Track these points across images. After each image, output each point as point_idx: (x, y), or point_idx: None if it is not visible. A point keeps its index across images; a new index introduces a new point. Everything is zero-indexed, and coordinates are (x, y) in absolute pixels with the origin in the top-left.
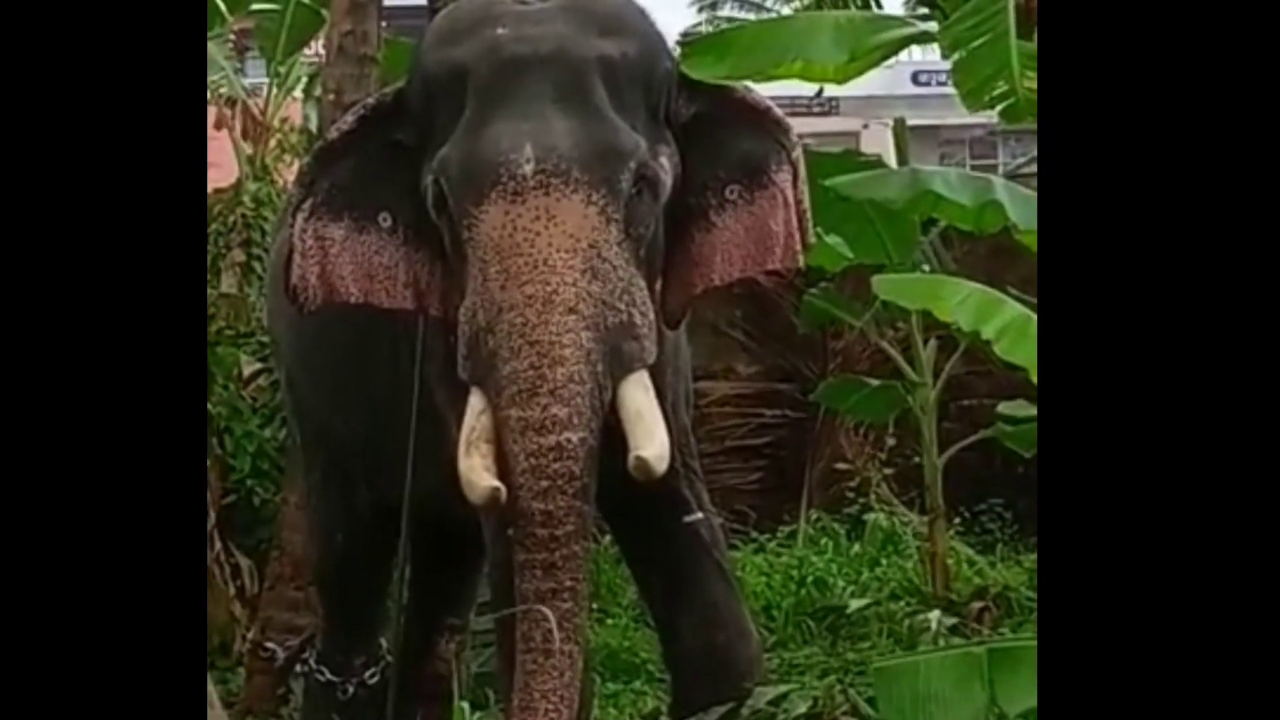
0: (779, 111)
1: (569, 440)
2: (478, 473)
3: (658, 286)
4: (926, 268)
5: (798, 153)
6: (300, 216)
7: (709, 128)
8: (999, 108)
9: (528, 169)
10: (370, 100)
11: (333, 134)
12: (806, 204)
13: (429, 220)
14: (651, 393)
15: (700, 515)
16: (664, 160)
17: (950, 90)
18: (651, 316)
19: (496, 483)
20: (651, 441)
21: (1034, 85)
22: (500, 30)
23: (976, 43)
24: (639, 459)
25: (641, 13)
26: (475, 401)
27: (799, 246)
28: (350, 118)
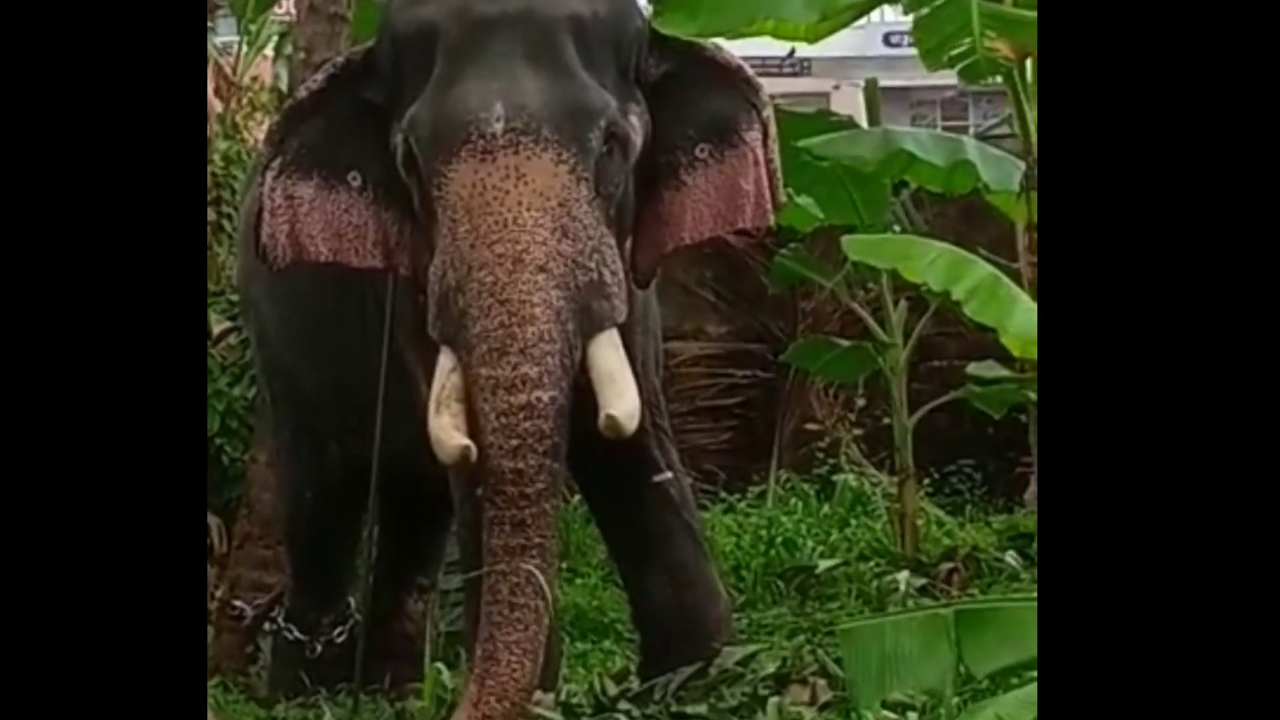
0: (749, 70)
1: (539, 399)
2: (448, 431)
3: (628, 245)
4: (897, 229)
5: (768, 112)
6: (269, 175)
7: (679, 87)
8: (958, 67)
9: (497, 127)
10: (340, 59)
11: (302, 93)
12: (777, 163)
13: (398, 179)
14: (622, 351)
15: (669, 475)
16: (634, 119)
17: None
18: (622, 275)
19: (467, 441)
20: (622, 400)
21: (994, 45)
22: None
23: (937, 1)
24: (609, 417)
25: None
26: (445, 361)
27: (770, 205)
28: (320, 76)
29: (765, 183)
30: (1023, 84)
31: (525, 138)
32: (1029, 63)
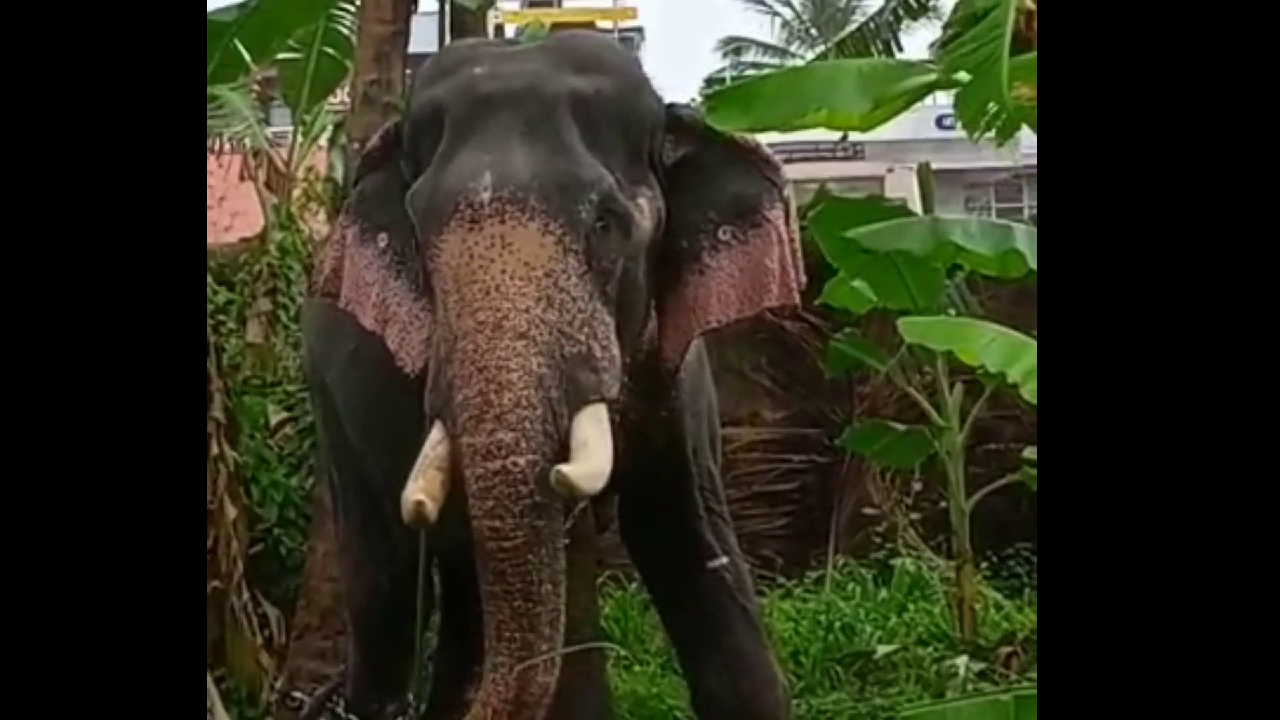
0: (768, 150)
1: (515, 464)
2: (411, 489)
3: (649, 328)
4: (952, 311)
5: (789, 191)
6: (343, 211)
7: (698, 169)
8: (997, 130)
9: (485, 196)
10: (390, 125)
11: (371, 143)
12: (798, 242)
13: (415, 254)
14: (605, 426)
15: (725, 560)
16: (641, 201)
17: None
18: (615, 351)
19: (420, 496)
20: (582, 462)
21: (1020, 94)
22: (478, 69)
23: (971, 64)
24: (558, 472)
25: (623, 53)
26: (435, 433)
27: (794, 284)
28: (378, 136)
29: (790, 260)
30: None
31: (512, 207)
32: None
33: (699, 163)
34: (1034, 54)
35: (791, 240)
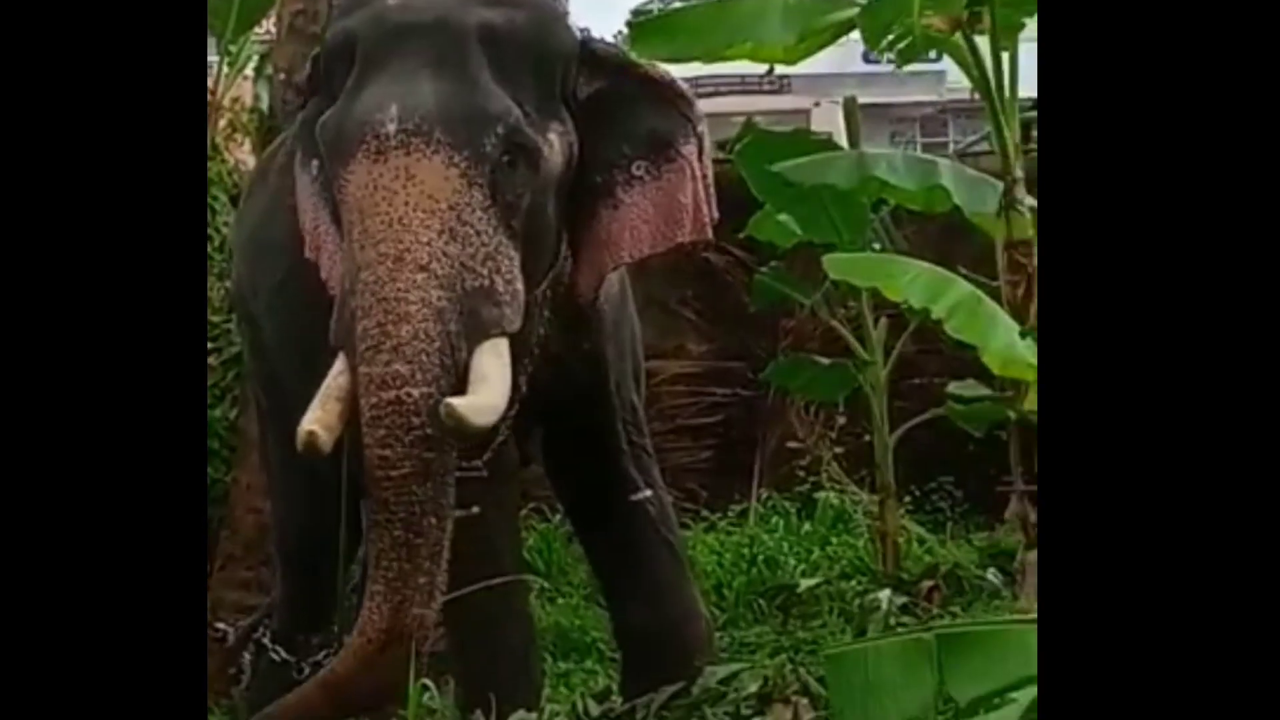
0: (683, 85)
1: (409, 394)
2: (305, 420)
3: (563, 262)
4: (877, 246)
5: (703, 126)
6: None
7: (612, 104)
8: (897, 47)
9: (390, 128)
10: (318, 52)
11: (305, 72)
12: (711, 177)
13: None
14: (505, 360)
15: (648, 493)
16: (552, 135)
17: (901, 69)
18: (519, 285)
19: (313, 426)
20: (474, 395)
21: (929, 20)
22: (390, 1)
23: None
24: (447, 405)
25: None
26: (337, 364)
27: (707, 219)
28: (310, 64)
29: (703, 196)
30: (1001, 101)
31: (417, 139)
32: (1008, 78)
33: (613, 97)
34: None
35: (705, 176)
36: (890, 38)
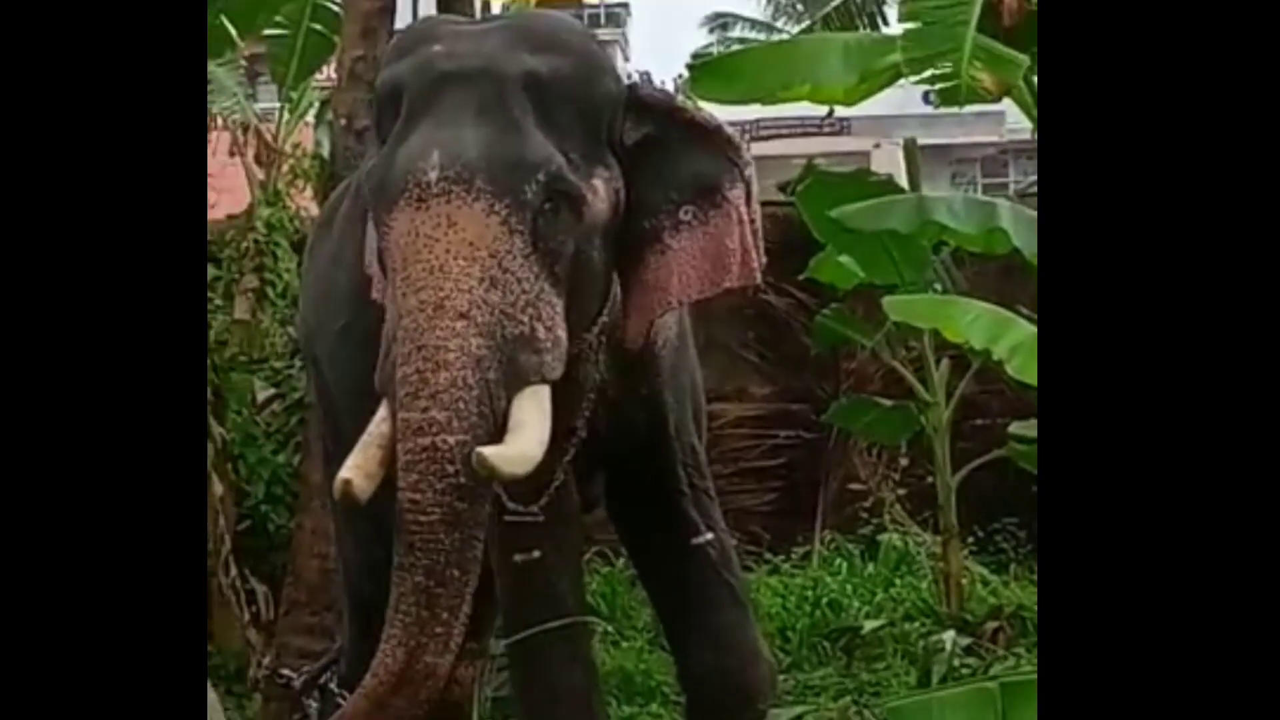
0: (729, 129)
1: (444, 441)
2: (344, 467)
3: (609, 309)
4: (938, 287)
5: (750, 170)
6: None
7: (659, 149)
8: (938, 86)
9: (432, 175)
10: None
11: (361, 123)
12: (759, 222)
13: None
14: (545, 408)
15: (710, 536)
16: (597, 181)
17: (962, 110)
18: (561, 333)
19: (348, 474)
20: (509, 445)
21: (979, 75)
22: (436, 47)
23: (932, 17)
24: (478, 454)
25: (582, 33)
26: (380, 410)
27: (755, 264)
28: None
29: (750, 240)
30: None
31: (458, 186)
32: None
33: (660, 142)
34: (1001, 44)
35: (753, 220)
36: (937, 80)
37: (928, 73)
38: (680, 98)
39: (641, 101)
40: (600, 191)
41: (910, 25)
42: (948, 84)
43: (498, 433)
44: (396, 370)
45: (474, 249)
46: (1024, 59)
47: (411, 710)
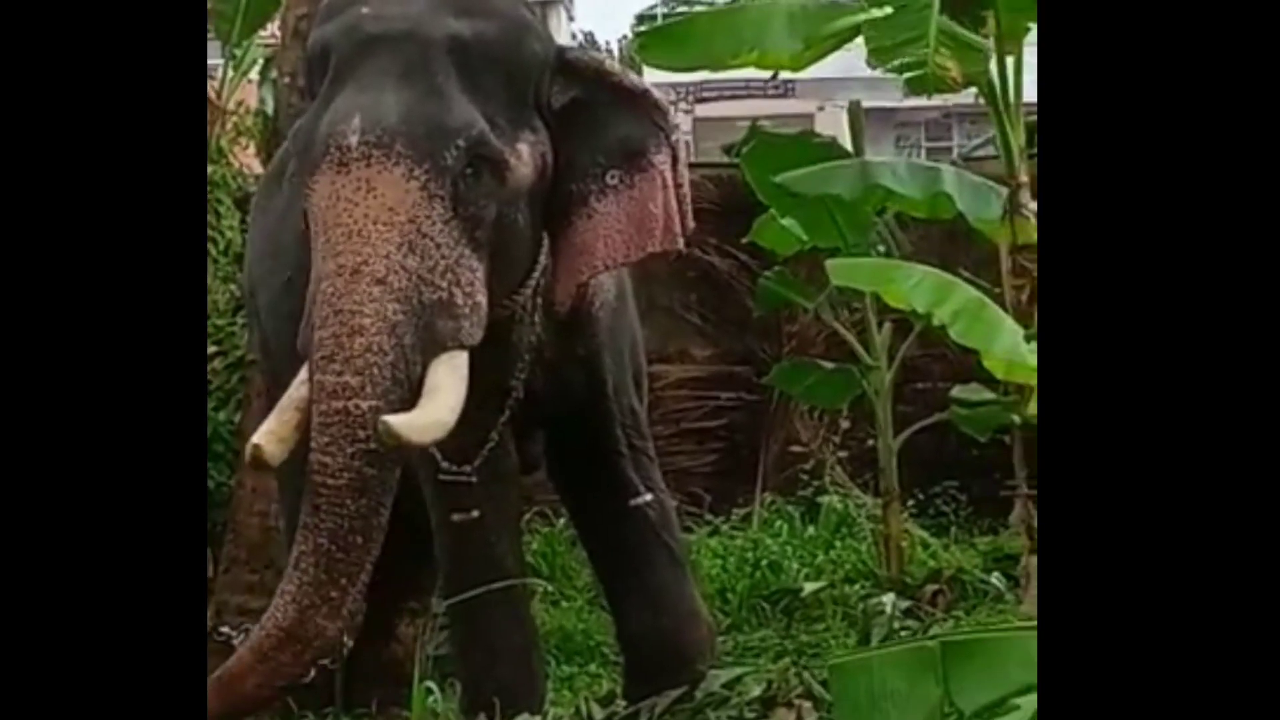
0: (657, 94)
1: (357, 407)
2: (257, 432)
3: (541, 271)
4: (881, 249)
5: (677, 135)
6: None
7: (587, 113)
8: (905, 75)
9: (353, 140)
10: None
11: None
12: (686, 186)
13: None
14: (461, 374)
15: (649, 497)
16: (522, 145)
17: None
18: (481, 298)
19: (258, 440)
20: (417, 412)
21: (945, 64)
22: (364, 10)
23: (897, 3)
24: (383, 422)
25: None
26: (301, 372)
27: (679, 229)
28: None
29: (675, 206)
30: (1005, 105)
31: (378, 151)
32: (1013, 85)
33: (588, 105)
34: (966, 30)
35: (679, 185)
36: (900, 61)
37: (895, 61)
38: (610, 61)
39: (569, 65)
40: (525, 155)
41: (875, 13)
42: (914, 73)
43: (413, 398)
44: (314, 334)
45: (393, 214)
46: (988, 45)
47: (296, 668)
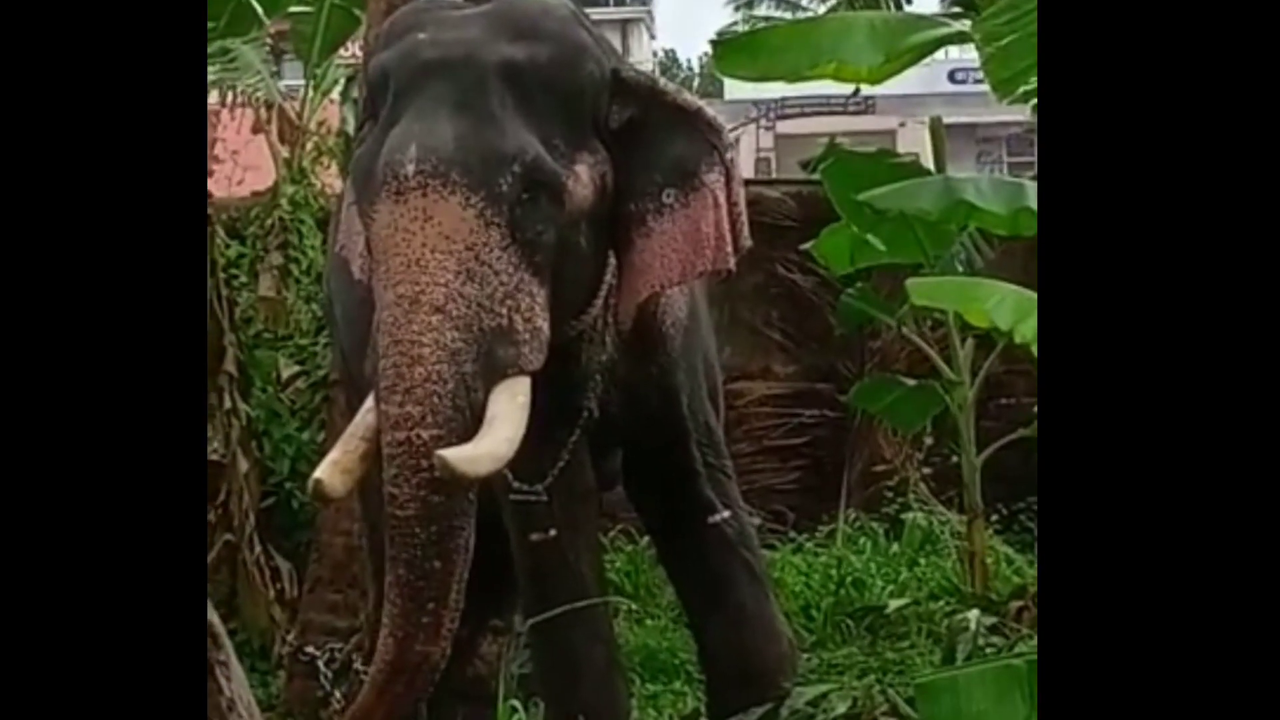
0: (710, 112)
1: (419, 436)
2: (321, 465)
3: (606, 291)
4: (959, 267)
5: (731, 154)
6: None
7: (643, 132)
8: (1032, 101)
9: (409, 169)
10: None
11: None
12: (741, 205)
13: None
14: (522, 400)
15: (726, 514)
16: (580, 167)
17: (987, 88)
18: (541, 323)
19: (319, 474)
20: (474, 444)
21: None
22: (421, 35)
23: (1011, 37)
24: (438, 457)
25: (564, 18)
26: (368, 401)
27: (730, 248)
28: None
29: (726, 225)
30: None
31: (434, 180)
32: None
33: (644, 125)
34: None
35: (732, 204)
36: (1030, 97)
37: (1020, 90)
38: (663, 80)
39: (625, 84)
40: (584, 177)
41: (992, 46)
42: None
43: (475, 425)
44: (379, 362)
45: (450, 242)
46: None
47: (411, 695)
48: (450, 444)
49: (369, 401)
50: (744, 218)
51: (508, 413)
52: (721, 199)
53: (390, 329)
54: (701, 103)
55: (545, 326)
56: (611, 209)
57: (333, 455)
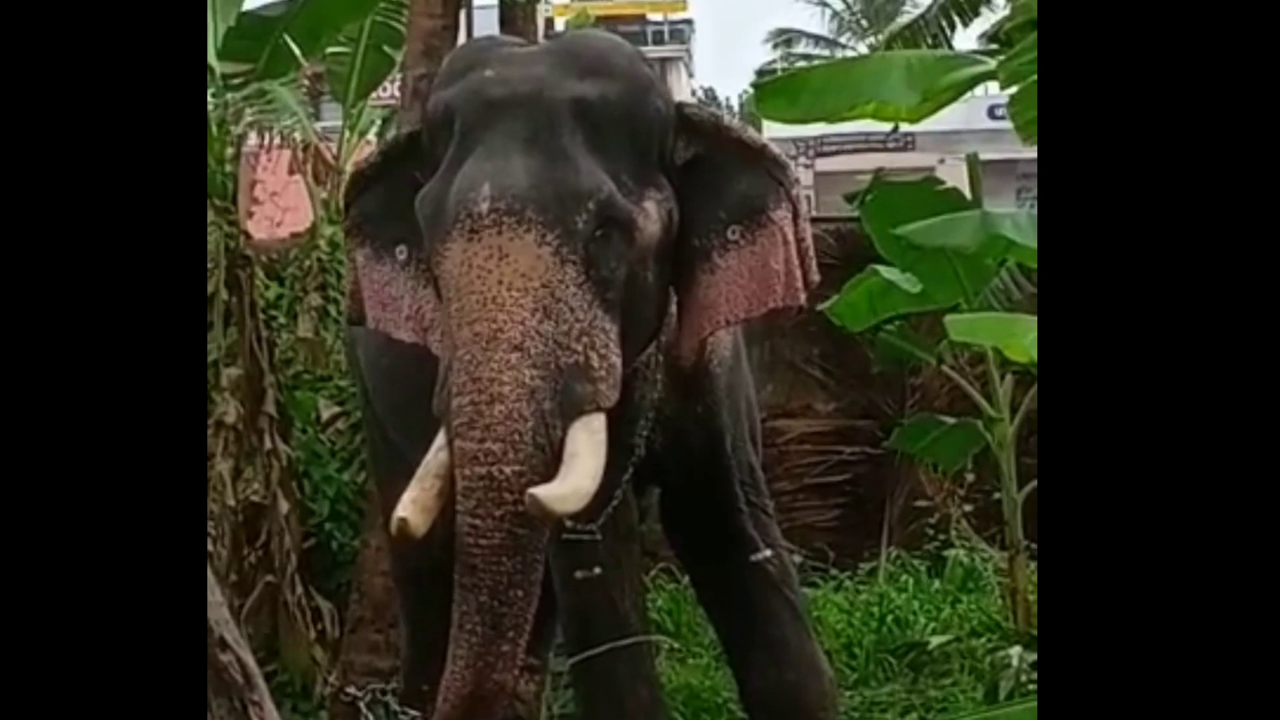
0: (776, 149)
1: (500, 472)
2: (401, 503)
3: (673, 326)
4: (996, 305)
5: (797, 190)
6: (347, 235)
7: (708, 168)
8: None
9: (483, 207)
10: (392, 135)
11: (363, 163)
12: (809, 241)
13: None
14: (600, 436)
15: (768, 553)
16: (648, 204)
17: None
18: (615, 359)
19: (403, 513)
20: (559, 482)
21: None
22: (487, 73)
23: (1034, 77)
24: (530, 496)
25: (630, 54)
26: (439, 438)
27: (800, 284)
28: (376, 151)
29: (795, 261)
30: None
31: (509, 218)
32: None
33: (709, 161)
34: None
35: (800, 240)
36: None
37: None
38: (728, 116)
39: (690, 121)
40: (652, 214)
41: (1016, 89)
42: None
43: (554, 461)
44: (452, 400)
45: (526, 280)
46: None
47: None
48: (531, 480)
49: (439, 439)
50: (811, 253)
51: (589, 449)
52: (790, 235)
53: (467, 367)
54: (766, 139)
55: (619, 363)
56: (676, 245)
57: (410, 494)
